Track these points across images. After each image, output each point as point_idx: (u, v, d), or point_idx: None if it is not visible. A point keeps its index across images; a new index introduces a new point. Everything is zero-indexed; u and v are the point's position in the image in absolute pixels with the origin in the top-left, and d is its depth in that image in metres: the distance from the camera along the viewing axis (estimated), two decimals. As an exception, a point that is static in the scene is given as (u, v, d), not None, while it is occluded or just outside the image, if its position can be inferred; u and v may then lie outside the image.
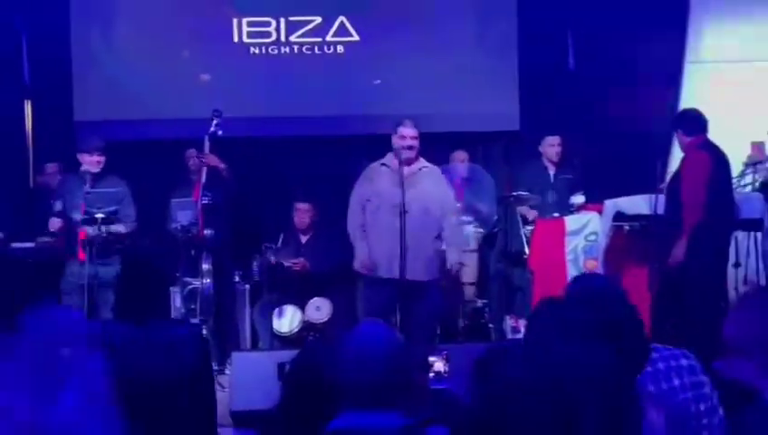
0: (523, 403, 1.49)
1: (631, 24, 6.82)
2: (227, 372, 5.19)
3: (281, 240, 6.20)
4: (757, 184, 6.03)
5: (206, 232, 5.53)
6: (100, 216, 5.12)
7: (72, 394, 1.36)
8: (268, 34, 7.08)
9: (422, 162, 5.13)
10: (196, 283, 5.57)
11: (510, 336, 6.09)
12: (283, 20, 7.05)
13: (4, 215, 6.18)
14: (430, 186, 5.07)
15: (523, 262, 6.17)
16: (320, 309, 5.91)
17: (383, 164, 5.09)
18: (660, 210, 5.19)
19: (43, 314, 1.80)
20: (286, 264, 6.07)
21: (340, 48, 7.09)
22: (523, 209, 6.24)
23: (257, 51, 7.08)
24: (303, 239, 6.35)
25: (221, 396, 4.12)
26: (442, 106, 6.98)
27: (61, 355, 1.58)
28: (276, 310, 5.92)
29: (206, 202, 5.52)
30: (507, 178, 6.50)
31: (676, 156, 5.57)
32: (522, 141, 6.99)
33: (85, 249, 5.12)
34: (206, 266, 5.54)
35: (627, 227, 5.66)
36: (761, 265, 5.80)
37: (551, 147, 6.40)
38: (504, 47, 7.11)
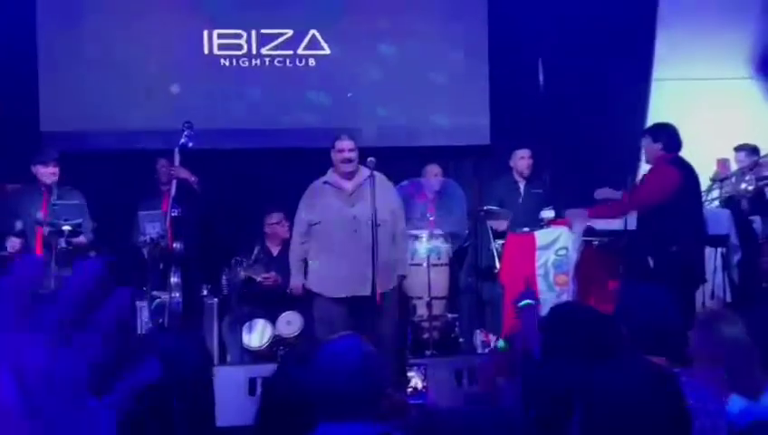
0: None
1: (600, 39, 6.90)
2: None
3: (255, 254, 6.15)
4: (722, 199, 6.11)
5: (175, 245, 5.47)
6: (66, 228, 5.04)
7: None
8: (239, 47, 7.05)
9: (364, 172, 5.00)
10: (164, 296, 5.49)
11: (480, 351, 6.10)
12: (254, 32, 7.03)
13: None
14: (378, 196, 4.93)
15: (494, 276, 6.19)
16: (291, 323, 5.86)
17: (325, 182, 5.04)
18: (630, 226, 5.24)
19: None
20: (258, 278, 6.01)
21: (311, 61, 7.08)
22: (494, 223, 6.27)
23: (228, 63, 7.04)
24: (275, 252, 6.30)
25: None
26: (413, 120, 7.01)
27: None
28: (246, 324, 5.86)
29: (176, 215, 5.46)
30: (478, 193, 6.53)
31: (645, 170, 5.63)
32: (492, 156, 7.03)
33: (49, 261, 5.03)
34: (174, 280, 5.48)
35: (596, 243, 5.71)
36: (727, 281, 5.88)
37: (521, 160, 6.44)
38: (474, 62, 7.15)
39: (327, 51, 7.08)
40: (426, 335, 5.91)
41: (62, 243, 5.02)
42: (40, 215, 5.12)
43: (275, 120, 7.01)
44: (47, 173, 5.25)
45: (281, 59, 7.07)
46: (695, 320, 2.70)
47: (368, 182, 4.94)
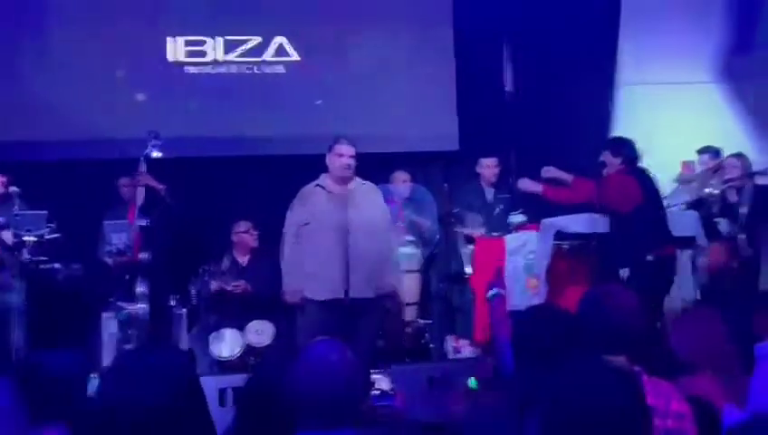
0: None
1: (566, 45, 6.96)
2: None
3: (224, 264, 6.08)
4: (690, 202, 6.18)
5: (142, 255, 5.38)
6: (30, 239, 4.94)
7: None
8: (204, 54, 6.98)
9: (358, 180, 5.05)
10: (131, 307, 5.40)
11: (451, 356, 6.08)
12: (220, 39, 6.96)
13: None
14: (370, 203, 5.01)
15: (464, 281, 6.18)
16: (261, 332, 5.79)
17: (318, 185, 5.00)
18: (600, 228, 5.28)
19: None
20: (228, 287, 5.94)
21: (279, 68, 7.03)
22: (463, 228, 6.26)
23: (193, 70, 6.97)
24: (244, 261, 6.24)
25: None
26: (381, 126, 6.99)
27: None
28: (215, 334, 5.78)
29: (143, 224, 5.38)
30: (448, 198, 6.52)
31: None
32: (461, 161, 7.03)
33: (14, 273, 4.94)
34: (141, 290, 5.39)
35: (566, 246, 5.73)
36: (693, 283, 5.93)
37: (487, 168, 6.46)
38: (441, 67, 7.16)
39: (295, 57, 7.04)
40: (397, 341, 5.89)
41: (26, 254, 4.92)
42: None
43: (242, 128, 6.94)
44: None
45: (248, 66, 7.02)
46: (675, 321, 2.71)
47: (359, 189, 4.96)
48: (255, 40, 7.00)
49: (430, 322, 6.46)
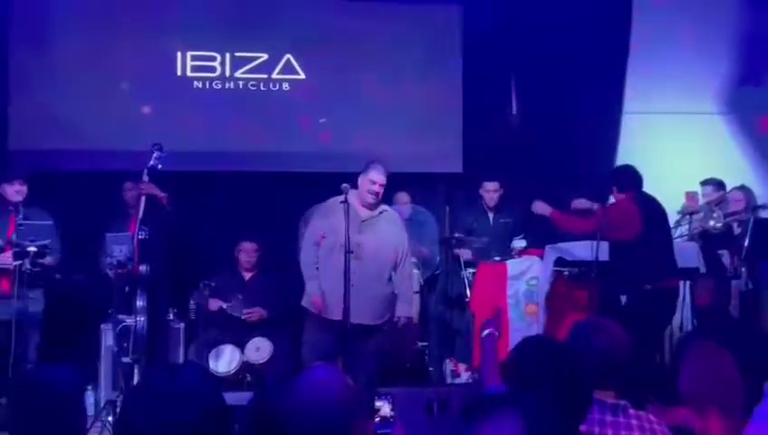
0: None
1: (573, 71, 6.97)
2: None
3: (225, 278, 6.08)
4: (695, 233, 6.16)
5: (142, 268, 5.37)
6: (32, 249, 4.94)
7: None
8: (213, 69, 7.01)
9: (382, 206, 5.07)
10: (130, 320, 5.38)
11: (449, 380, 6.06)
12: (228, 55, 7.00)
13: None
14: (388, 230, 5.00)
15: (464, 305, 6.17)
16: (260, 350, 5.78)
17: (343, 202, 4.87)
18: (601, 256, 5.27)
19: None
20: (243, 316, 5.92)
21: (285, 85, 7.06)
22: (462, 252, 6.25)
23: (201, 85, 6.99)
24: (247, 277, 6.23)
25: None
26: (385, 146, 6.98)
27: None
28: (214, 350, 5.77)
29: (143, 237, 5.37)
30: (449, 220, 6.52)
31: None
32: (464, 183, 7.04)
33: (13, 282, 4.93)
34: (140, 303, 5.37)
35: (566, 273, 5.72)
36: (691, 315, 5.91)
37: (487, 192, 6.47)
38: (447, 89, 7.18)
39: (302, 75, 7.07)
40: (397, 363, 5.87)
41: (27, 264, 4.91)
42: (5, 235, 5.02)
43: (247, 143, 6.96)
44: (12, 191, 5.18)
45: (254, 82, 7.05)
46: (687, 356, 2.70)
47: (382, 216, 4.99)
48: (263, 57, 7.03)
49: (428, 344, 6.44)
